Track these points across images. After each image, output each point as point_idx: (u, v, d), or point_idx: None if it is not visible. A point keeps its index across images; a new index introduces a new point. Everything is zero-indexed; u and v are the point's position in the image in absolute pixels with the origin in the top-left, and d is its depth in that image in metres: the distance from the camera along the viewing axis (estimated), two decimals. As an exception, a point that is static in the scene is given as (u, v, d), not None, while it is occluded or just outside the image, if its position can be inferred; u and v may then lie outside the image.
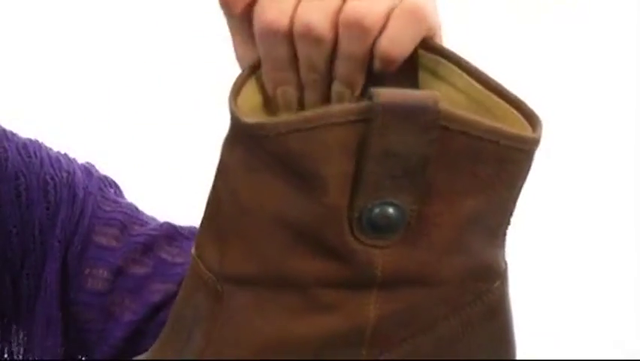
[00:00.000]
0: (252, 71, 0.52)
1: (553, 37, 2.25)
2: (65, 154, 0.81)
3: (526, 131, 0.49)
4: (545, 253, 2.20)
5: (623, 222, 2.24)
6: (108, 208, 0.78)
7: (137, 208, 0.80)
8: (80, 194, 0.78)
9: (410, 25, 0.49)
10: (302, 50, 0.50)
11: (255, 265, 0.49)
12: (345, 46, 0.49)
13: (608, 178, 2.24)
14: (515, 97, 0.50)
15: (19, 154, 0.77)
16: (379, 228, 0.48)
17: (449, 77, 0.51)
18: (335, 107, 0.46)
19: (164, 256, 0.77)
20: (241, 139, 0.49)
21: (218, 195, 0.51)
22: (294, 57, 0.50)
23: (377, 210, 0.47)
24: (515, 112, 0.50)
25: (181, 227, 0.78)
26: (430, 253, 0.48)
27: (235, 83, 0.51)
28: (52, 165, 0.78)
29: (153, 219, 0.80)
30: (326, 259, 0.48)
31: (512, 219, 0.59)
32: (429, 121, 0.46)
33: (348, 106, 0.46)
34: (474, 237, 0.49)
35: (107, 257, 0.77)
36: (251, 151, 0.48)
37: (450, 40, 0.52)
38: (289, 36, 0.49)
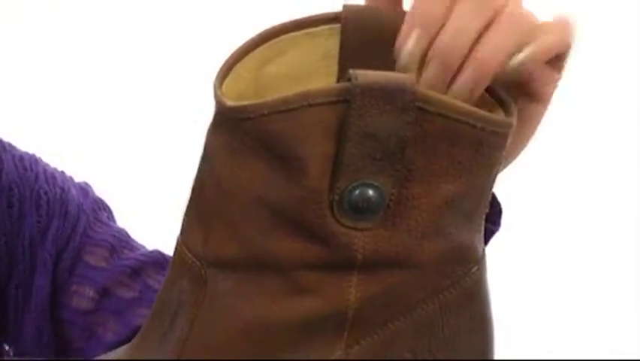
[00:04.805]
0: (238, 58, 0.53)
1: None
2: (62, 172, 0.82)
3: (500, 115, 0.50)
4: (544, 258, 2.19)
5: (623, 225, 2.22)
6: (99, 230, 0.79)
7: (127, 234, 0.81)
8: (73, 211, 0.79)
9: None
10: None
11: (237, 248, 0.50)
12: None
13: (606, 173, 2.22)
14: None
15: (15, 166, 0.78)
16: (359, 210, 0.48)
17: None
18: (315, 89, 0.47)
19: (150, 282, 0.78)
20: (224, 123, 0.49)
21: (202, 178, 0.51)
22: None
23: (357, 192, 0.48)
24: (487, 95, 0.51)
25: (170, 256, 0.79)
26: (409, 235, 0.49)
27: (221, 69, 0.52)
28: (46, 180, 0.79)
29: (143, 246, 0.81)
30: (307, 241, 0.49)
31: (503, 220, 0.60)
32: (406, 102, 0.46)
33: (328, 87, 0.47)
34: (452, 220, 0.49)
35: (94, 276, 0.78)
36: (233, 134, 0.49)
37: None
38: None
